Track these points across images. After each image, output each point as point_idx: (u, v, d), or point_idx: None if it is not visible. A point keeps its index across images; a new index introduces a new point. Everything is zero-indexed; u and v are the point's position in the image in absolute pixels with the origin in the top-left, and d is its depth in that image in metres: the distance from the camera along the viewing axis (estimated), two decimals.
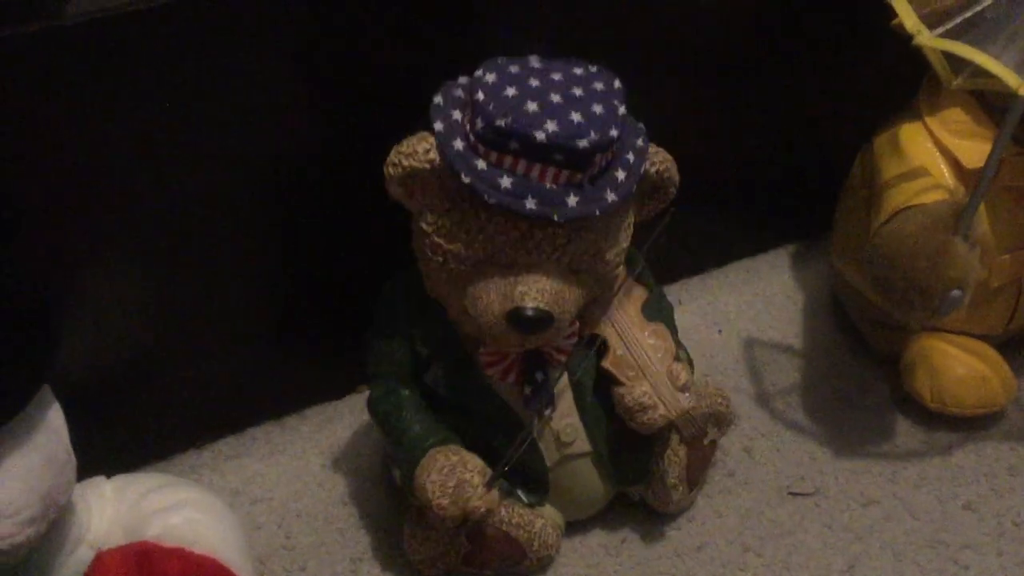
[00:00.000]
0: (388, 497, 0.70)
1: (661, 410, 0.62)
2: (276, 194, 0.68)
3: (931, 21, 0.63)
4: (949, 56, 0.64)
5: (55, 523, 0.55)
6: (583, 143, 0.53)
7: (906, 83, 0.75)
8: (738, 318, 0.84)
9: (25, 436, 0.52)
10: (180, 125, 0.62)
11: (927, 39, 0.62)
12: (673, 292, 0.83)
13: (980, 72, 0.62)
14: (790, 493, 0.71)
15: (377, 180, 0.69)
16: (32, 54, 0.56)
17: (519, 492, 0.64)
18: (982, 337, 0.75)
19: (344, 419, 0.76)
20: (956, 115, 0.70)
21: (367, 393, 0.76)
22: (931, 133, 0.71)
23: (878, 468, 0.73)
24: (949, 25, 0.62)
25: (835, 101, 0.84)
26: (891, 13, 0.66)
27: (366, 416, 0.75)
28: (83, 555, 0.57)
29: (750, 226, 0.89)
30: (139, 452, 0.71)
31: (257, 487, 0.71)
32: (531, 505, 0.64)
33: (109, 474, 0.62)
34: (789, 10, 0.79)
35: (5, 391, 0.50)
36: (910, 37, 0.63)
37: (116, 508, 0.59)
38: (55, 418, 0.54)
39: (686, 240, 0.84)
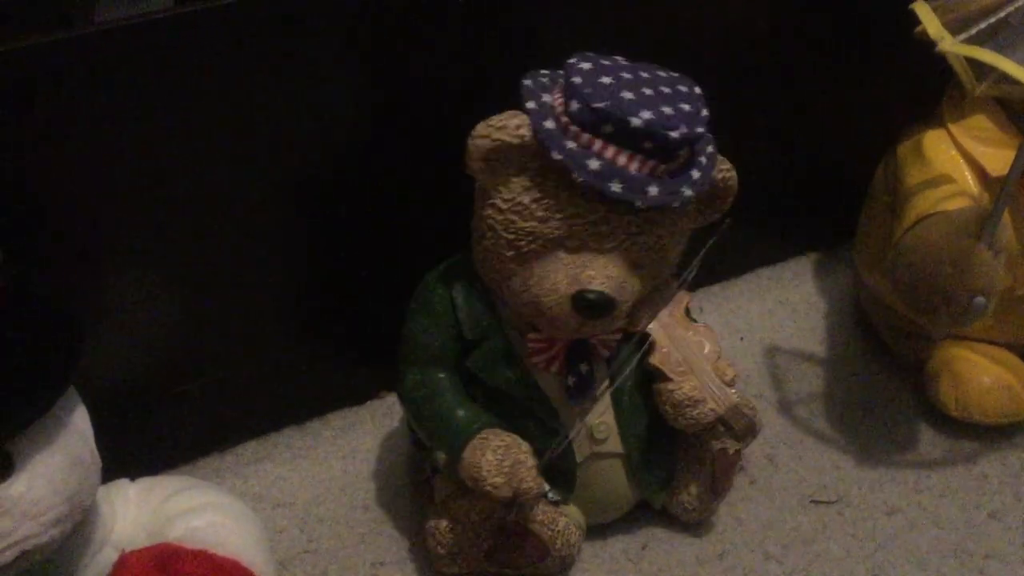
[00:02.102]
0: (410, 500, 0.70)
1: (711, 404, 0.62)
2: (299, 200, 0.68)
3: (954, 27, 0.63)
4: (973, 63, 0.64)
5: (79, 524, 0.55)
6: (675, 134, 0.55)
7: (929, 91, 0.75)
8: (760, 326, 0.84)
9: (51, 437, 0.52)
10: (206, 132, 0.62)
11: (950, 45, 0.62)
12: (695, 299, 0.83)
13: (1004, 78, 0.62)
14: (812, 501, 0.71)
15: (401, 186, 0.70)
16: (59, 62, 0.56)
17: (547, 488, 0.64)
18: (1007, 346, 0.75)
19: (366, 424, 0.76)
20: (980, 122, 0.70)
21: (389, 398, 0.77)
22: (955, 140, 0.71)
23: (901, 477, 0.72)
24: (972, 31, 0.62)
25: (858, 109, 0.84)
26: (914, 20, 0.65)
27: (388, 421, 0.76)
28: (107, 556, 0.57)
29: (773, 234, 0.89)
30: (162, 456, 0.71)
31: (279, 491, 0.71)
32: (555, 503, 0.64)
33: (133, 477, 0.62)
34: (811, 18, 0.79)
35: (31, 392, 0.50)
36: (933, 44, 0.63)
37: (140, 510, 0.60)
38: (80, 420, 0.55)
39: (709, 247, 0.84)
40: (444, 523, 0.63)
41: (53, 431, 0.52)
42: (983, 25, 0.62)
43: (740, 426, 0.64)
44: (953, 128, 0.71)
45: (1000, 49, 0.61)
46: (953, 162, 0.70)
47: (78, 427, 0.54)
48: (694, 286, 0.84)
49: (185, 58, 0.59)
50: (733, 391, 0.64)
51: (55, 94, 0.57)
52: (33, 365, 0.51)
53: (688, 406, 0.62)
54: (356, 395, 0.77)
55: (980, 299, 0.62)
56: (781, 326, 0.84)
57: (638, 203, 0.56)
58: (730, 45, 0.76)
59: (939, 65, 0.68)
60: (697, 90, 0.59)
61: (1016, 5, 0.62)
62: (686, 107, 0.57)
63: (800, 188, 0.87)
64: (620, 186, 0.56)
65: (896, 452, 0.74)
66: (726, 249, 0.86)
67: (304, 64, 0.63)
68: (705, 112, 0.58)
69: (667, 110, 0.56)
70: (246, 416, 0.74)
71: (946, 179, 0.69)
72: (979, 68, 0.64)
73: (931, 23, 0.64)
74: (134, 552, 0.56)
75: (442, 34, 0.66)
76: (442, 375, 0.63)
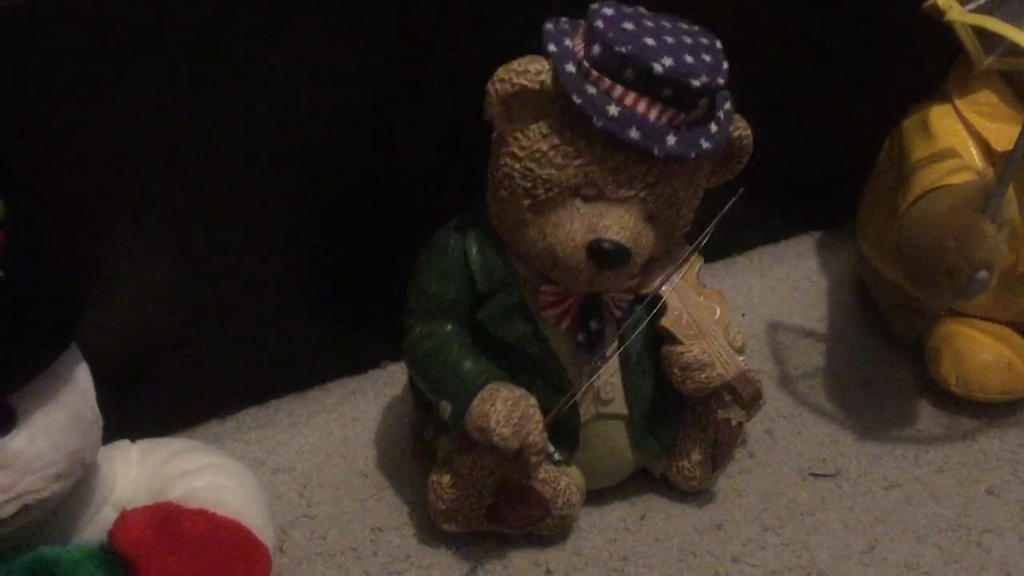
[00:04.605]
0: (409, 467, 0.70)
1: (719, 369, 0.62)
2: (305, 167, 0.68)
3: None
4: (981, 36, 0.64)
5: (80, 483, 0.55)
6: (696, 82, 0.55)
7: (934, 70, 0.75)
8: (762, 302, 0.84)
9: (53, 393, 0.52)
10: (212, 97, 0.62)
11: (958, 14, 0.62)
12: None
13: (1012, 52, 0.62)
14: (811, 474, 0.71)
15: (408, 155, 0.70)
16: (69, 22, 0.56)
17: (548, 447, 0.64)
18: (1008, 323, 0.75)
19: (367, 393, 0.76)
20: (986, 97, 0.70)
21: (390, 368, 0.77)
22: (961, 115, 0.71)
23: (900, 452, 0.72)
24: (981, 1, 0.62)
25: (862, 88, 0.84)
26: None
27: (389, 390, 0.76)
28: (107, 516, 0.57)
29: (776, 212, 0.89)
30: (163, 421, 0.71)
31: (279, 457, 0.72)
32: (558, 463, 0.65)
33: (134, 440, 0.62)
34: None
35: (34, 347, 0.51)
36: (941, 15, 0.63)
37: (140, 470, 0.60)
38: (83, 377, 0.55)
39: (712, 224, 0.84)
40: (446, 478, 0.63)
41: (55, 387, 0.53)
42: None
43: (747, 393, 0.64)
44: (959, 103, 0.71)
45: (1009, 19, 0.61)
46: (959, 137, 0.70)
47: (80, 384, 0.55)
48: None
49: (191, 23, 0.59)
50: (741, 358, 0.64)
51: (64, 54, 0.57)
52: (36, 320, 0.51)
53: (696, 369, 0.62)
54: (358, 364, 0.78)
55: (983, 273, 0.62)
56: (783, 303, 0.84)
57: (656, 151, 0.56)
58: (734, 23, 0.75)
59: (945, 44, 0.68)
60: (718, 44, 0.58)
61: None
62: (707, 58, 0.56)
63: (803, 167, 0.86)
64: (638, 133, 0.55)
65: (895, 427, 0.74)
66: (730, 226, 0.86)
67: (307, 28, 0.63)
68: (726, 65, 0.57)
69: (689, 59, 0.55)
70: (248, 382, 0.74)
71: (951, 153, 0.69)
72: (987, 41, 0.64)
73: None
74: (134, 510, 0.56)
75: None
76: (450, 327, 0.63)
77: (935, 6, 0.64)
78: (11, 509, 0.51)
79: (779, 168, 0.85)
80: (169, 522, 0.55)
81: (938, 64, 0.74)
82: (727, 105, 0.60)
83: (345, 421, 0.74)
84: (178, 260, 0.67)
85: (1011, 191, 0.64)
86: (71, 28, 0.56)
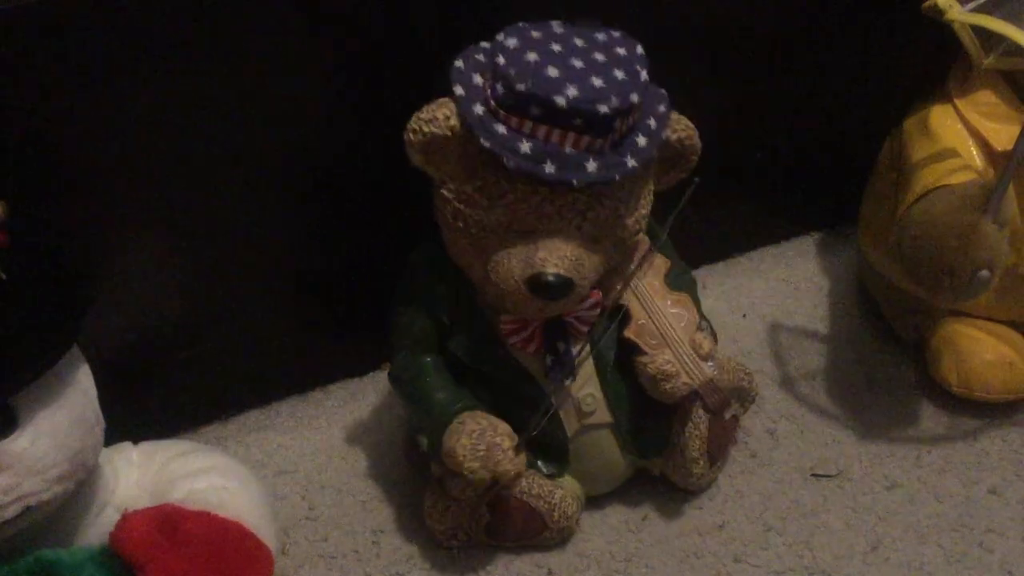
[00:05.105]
0: (410, 470, 0.70)
1: (684, 378, 0.62)
2: (306, 170, 0.68)
3: None
4: (980, 35, 0.64)
5: (82, 485, 0.55)
6: (604, 108, 0.53)
7: (935, 70, 0.75)
8: (763, 303, 0.84)
9: (55, 395, 0.53)
10: (215, 101, 0.62)
11: (958, 14, 0.62)
12: (699, 276, 0.82)
13: (1012, 51, 0.62)
14: (813, 475, 0.71)
15: (402, 156, 0.70)
16: (71, 23, 0.56)
17: (539, 463, 0.64)
18: (1009, 323, 0.75)
19: (368, 395, 0.76)
20: (986, 97, 0.70)
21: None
22: (961, 115, 0.71)
23: (902, 452, 0.72)
24: (981, 0, 0.62)
25: (863, 88, 0.84)
26: None
27: (389, 392, 0.76)
28: (109, 518, 0.58)
29: (777, 212, 0.89)
30: (165, 423, 0.71)
31: (281, 459, 0.72)
32: (551, 476, 0.65)
33: (136, 442, 0.62)
34: None
35: (35, 349, 0.51)
36: (941, 14, 0.63)
37: (142, 472, 0.60)
38: (84, 379, 0.55)
39: (713, 225, 0.84)
40: (440, 502, 0.64)
41: (57, 388, 0.53)
42: None
43: (714, 401, 0.63)
44: (959, 103, 0.71)
45: (1008, 18, 0.61)
46: (959, 137, 0.70)
47: (82, 386, 0.55)
48: (697, 263, 0.85)
49: (192, 20, 0.59)
50: (710, 364, 0.63)
51: (66, 55, 0.57)
52: (38, 321, 0.51)
53: (662, 379, 0.62)
54: (359, 366, 0.78)
55: (984, 272, 0.62)
56: (784, 304, 0.84)
57: (575, 182, 0.54)
58: (736, 24, 0.76)
59: (944, 44, 0.68)
60: (638, 51, 0.56)
61: None
62: (620, 75, 0.54)
63: (804, 168, 0.86)
64: (554, 166, 0.54)
65: (897, 428, 0.74)
66: (730, 227, 0.87)
67: (313, 30, 0.63)
68: (644, 76, 0.55)
69: (597, 82, 0.53)
70: (249, 385, 0.74)
71: (952, 153, 0.69)
72: (987, 41, 0.64)
73: None
74: (136, 512, 0.56)
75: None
76: (428, 358, 0.63)
77: (935, 6, 0.64)
78: (13, 511, 0.51)
79: (780, 169, 0.85)
80: (171, 524, 0.55)
81: (938, 64, 0.74)
82: (661, 108, 0.58)
83: (346, 423, 0.74)
84: (180, 262, 0.67)
85: (1011, 190, 0.64)
86: (72, 29, 0.56)
